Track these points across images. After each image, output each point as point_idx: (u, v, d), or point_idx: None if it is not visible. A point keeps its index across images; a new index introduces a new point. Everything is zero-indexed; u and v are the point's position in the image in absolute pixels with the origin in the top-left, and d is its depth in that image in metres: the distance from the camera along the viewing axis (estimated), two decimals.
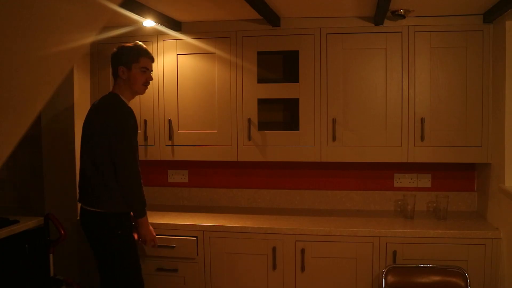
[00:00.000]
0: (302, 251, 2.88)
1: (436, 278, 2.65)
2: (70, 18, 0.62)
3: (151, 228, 2.71)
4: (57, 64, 0.65)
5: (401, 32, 2.99)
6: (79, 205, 2.73)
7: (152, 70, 2.73)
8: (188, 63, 3.21)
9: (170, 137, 3.22)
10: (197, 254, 2.99)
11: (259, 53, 3.15)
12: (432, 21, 2.96)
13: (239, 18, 3.12)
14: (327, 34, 3.06)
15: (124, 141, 2.50)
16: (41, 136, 3.22)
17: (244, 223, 3.04)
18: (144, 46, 2.71)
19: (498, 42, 2.84)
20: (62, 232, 2.87)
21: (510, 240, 2.68)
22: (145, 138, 3.25)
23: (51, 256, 3.02)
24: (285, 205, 3.50)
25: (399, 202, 3.33)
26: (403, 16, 2.88)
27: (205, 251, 2.99)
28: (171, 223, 3.04)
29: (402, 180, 3.38)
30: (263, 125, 3.20)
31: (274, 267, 2.92)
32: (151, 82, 2.75)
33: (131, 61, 2.61)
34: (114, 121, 2.53)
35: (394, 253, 2.80)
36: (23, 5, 0.57)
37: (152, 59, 2.72)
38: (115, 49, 2.68)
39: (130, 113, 2.57)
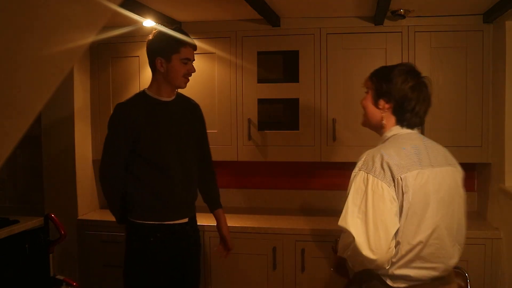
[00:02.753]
0: (302, 251, 2.88)
1: None
2: (70, 18, 0.62)
3: None
4: (57, 64, 0.65)
5: (401, 32, 2.99)
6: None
7: (194, 60, 2.34)
8: None
9: None
10: None
11: (259, 53, 3.15)
12: (432, 21, 2.96)
13: (239, 18, 3.12)
14: (327, 34, 3.06)
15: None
16: (41, 136, 3.22)
17: (244, 223, 3.04)
18: (185, 32, 2.31)
19: (498, 42, 2.84)
20: (62, 232, 2.86)
21: (510, 240, 2.68)
22: None
23: (51, 256, 3.01)
24: (285, 205, 3.50)
25: None
26: (403, 16, 2.88)
27: (205, 251, 2.99)
28: None
29: None
30: (263, 125, 3.20)
31: (274, 267, 2.92)
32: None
33: (171, 51, 2.24)
34: None
35: None
36: (23, 5, 0.57)
37: (194, 47, 2.32)
38: (151, 36, 2.31)
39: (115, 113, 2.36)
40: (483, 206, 3.15)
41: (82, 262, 3.20)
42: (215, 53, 3.16)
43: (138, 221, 2.33)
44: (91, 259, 3.17)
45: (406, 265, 1.62)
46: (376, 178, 1.60)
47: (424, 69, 2.97)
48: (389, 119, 1.78)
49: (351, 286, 1.82)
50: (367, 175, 1.62)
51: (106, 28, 3.10)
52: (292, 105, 3.21)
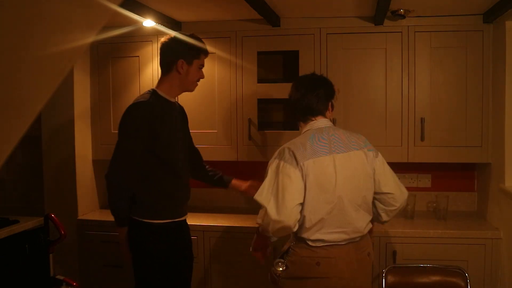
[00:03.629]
0: None
1: (436, 278, 2.65)
2: (70, 18, 0.62)
3: None
4: (57, 64, 0.65)
5: (401, 32, 2.99)
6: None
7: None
8: None
9: None
10: (197, 254, 2.99)
11: (259, 53, 3.15)
12: (432, 21, 2.96)
13: (239, 18, 3.12)
14: (327, 34, 3.06)
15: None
16: (41, 136, 3.22)
17: (244, 223, 3.04)
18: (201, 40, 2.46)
19: (498, 42, 2.84)
20: (62, 232, 2.86)
21: (510, 240, 2.68)
22: None
23: (51, 256, 3.01)
24: None
25: None
26: (403, 16, 2.88)
27: (205, 251, 2.99)
28: None
29: (402, 180, 3.34)
30: (263, 125, 3.20)
31: None
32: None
33: (193, 55, 2.36)
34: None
35: (394, 253, 2.80)
36: (23, 5, 0.57)
37: (207, 55, 2.49)
38: (166, 40, 2.38)
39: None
40: (483, 206, 3.15)
41: (82, 262, 3.20)
42: (215, 53, 3.16)
43: (152, 221, 2.35)
44: (91, 259, 3.17)
45: (317, 231, 2.06)
46: (285, 163, 2.05)
47: (424, 69, 2.99)
48: (298, 122, 2.30)
49: (284, 247, 2.21)
50: (280, 161, 2.07)
51: (106, 28, 3.11)
52: None
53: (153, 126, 2.28)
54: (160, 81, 2.41)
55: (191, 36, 2.39)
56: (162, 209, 2.38)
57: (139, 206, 2.36)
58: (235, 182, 2.75)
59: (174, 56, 2.34)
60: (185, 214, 2.53)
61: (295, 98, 2.25)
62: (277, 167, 2.06)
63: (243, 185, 2.73)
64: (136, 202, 2.36)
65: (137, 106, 2.30)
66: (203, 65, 2.43)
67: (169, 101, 2.40)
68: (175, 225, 2.43)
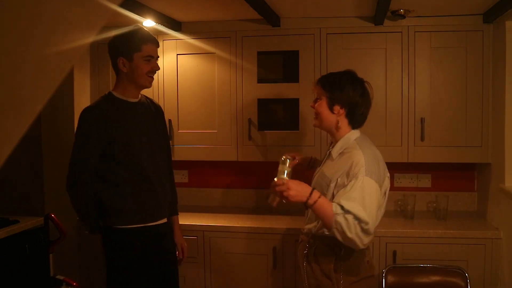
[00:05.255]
0: None
1: (436, 278, 2.65)
2: (70, 18, 0.62)
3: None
4: (57, 64, 0.65)
5: (401, 32, 2.99)
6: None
7: (158, 57, 2.30)
8: (188, 63, 3.22)
9: (170, 137, 3.21)
10: (197, 254, 2.99)
11: (259, 53, 3.15)
12: (432, 21, 2.96)
13: (239, 18, 3.12)
14: (327, 34, 3.06)
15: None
16: (41, 136, 3.22)
17: (244, 223, 3.04)
18: (146, 29, 2.29)
19: (498, 42, 2.84)
20: (62, 232, 2.86)
21: (510, 240, 2.68)
22: None
23: (51, 256, 3.01)
24: (285, 205, 3.49)
25: (399, 202, 3.32)
26: (403, 16, 2.88)
27: (205, 251, 2.99)
28: None
29: (402, 180, 3.38)
30: (263, 125, 3.20)
31: (274, 267, 2.92)
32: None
33: (132, 50, 2.20)
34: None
35: (394, 253, 2.80)
36: (23, 5, 0.57)
37: (157, 44, 2.28)
38: (111, 37, 2.27)
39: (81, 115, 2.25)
40: (483, 206, 3.15)
41: (82, 262, 3.20)
42: (215, 53, 3.16)
43: (121, 226, 2.27)
44: (91, 259, 3.17)
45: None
46: (376, 184, 1.95)
47: (424, 69, 2.99)
48: (342, 121, 2.10)
49: (335, 256, 2.10)
50: (372, 181, 1.94)
51: (106, 28, 3.10)
52: (292, 105, 3.21)
53: (106, 130, 2.19)
54: (115, 83, 2.32)
55: (131, 29, 2.24)
56: (129, 213, 2.27)
57: (106, 212, 2.28)
58: (175, 225, 2.54)
59: (113, 56, 2.24)
60: (161, 218, 2.37)
61: (359, 102, 2.09)
62: (372, 186, 1.95)
63: (178, 236, 2.55)
64: (103, 208, 2.28)
65: (83, 112, 2.23)
66: (151, 56, 2.23)
67: (127, 101, 2.29)
68: (149, 229, 2.30)
